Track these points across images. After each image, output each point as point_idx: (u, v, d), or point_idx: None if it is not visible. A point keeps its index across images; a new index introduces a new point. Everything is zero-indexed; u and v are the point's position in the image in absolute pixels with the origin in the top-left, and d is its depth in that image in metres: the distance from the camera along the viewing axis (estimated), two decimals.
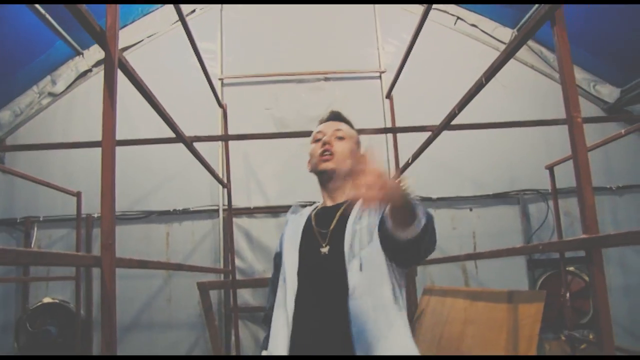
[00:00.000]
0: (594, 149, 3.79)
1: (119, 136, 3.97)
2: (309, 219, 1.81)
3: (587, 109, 4.76)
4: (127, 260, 1.52)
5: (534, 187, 4.60)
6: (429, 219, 1.38)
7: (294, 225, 1.83)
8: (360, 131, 1.97)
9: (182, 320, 4.42)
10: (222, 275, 4.32)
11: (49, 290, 4.49)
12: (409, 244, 1.39)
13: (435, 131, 2.54)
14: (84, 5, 1.43)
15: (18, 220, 4.56)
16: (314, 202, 1.94)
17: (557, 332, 4.24)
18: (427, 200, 4.65)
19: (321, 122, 1.95)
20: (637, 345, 4.30)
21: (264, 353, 1.76)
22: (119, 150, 2.98)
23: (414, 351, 1.50)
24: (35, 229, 4.56)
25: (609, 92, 4.67)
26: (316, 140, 1.85)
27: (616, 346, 4.13)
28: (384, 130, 3.21)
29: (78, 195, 4.08)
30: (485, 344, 2.15)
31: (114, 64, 1.46)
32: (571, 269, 4.49)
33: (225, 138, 3.24)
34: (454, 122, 2.41)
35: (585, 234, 1.29)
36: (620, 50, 4.39)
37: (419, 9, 4.80)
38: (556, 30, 1.38)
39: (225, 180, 4.04)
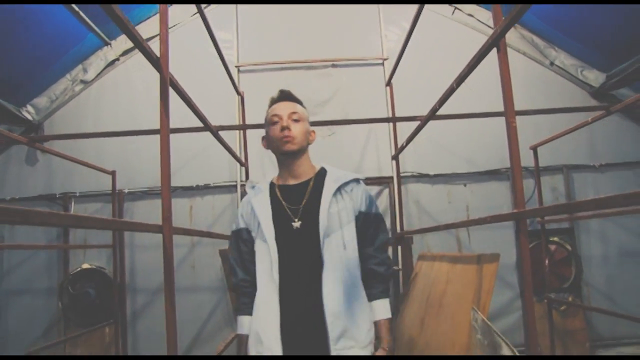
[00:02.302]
0: (575, 130, 4.19)
1: (149, 124, 4.52)
2: (273, 195, 1.96)
3: (575, 93, 5.17)
4: (180, 228, 2.00)
5: (523, 165, 5.02)
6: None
7: (259, 201, 1.96)
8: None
9: (205, 285, 4.96)
10: None
11: (86, 257, 5.04)
12: None
13: (422, 122, 3.00)
14: (143, 38, 1.88)
15: (57, 196, 5.09)
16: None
17: (541, 295, 4.72)
18: (425, 176, 5.12)
19: (273, 102, 2.03)
20: (613, 307, 4.77)
21: (245, 318, 1.93)
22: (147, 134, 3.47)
23: (369, 326, 1.85)
24: (73, 203, 5.09)
25: (595, 77, 5.04)
26: (273, 123, 1.95)
27: (596, 308, 4.63)
28: (380, 120, 3.65)
29: (113, 174, 4.58)
30: (459, 298, 2.63)
31: (167, 82, 1.92)
32: (555, 239, 4.96)
33: (244, 127, 3.71)
34: (438, 113, 2.85)
35: (515, 209, 1.75)
36: (606, 38, 4.73)
37: None
38: (500, 56, 1.81)
39: (243, 160, 4.52)
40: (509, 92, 1.78)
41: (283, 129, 1.90)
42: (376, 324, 1.88)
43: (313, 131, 2.06)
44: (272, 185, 2.02)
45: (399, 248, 4.70)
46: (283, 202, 1.93)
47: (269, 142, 2.00)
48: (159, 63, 1.89)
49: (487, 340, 2.02)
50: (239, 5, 5.44)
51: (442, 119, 3.15)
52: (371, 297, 1.89)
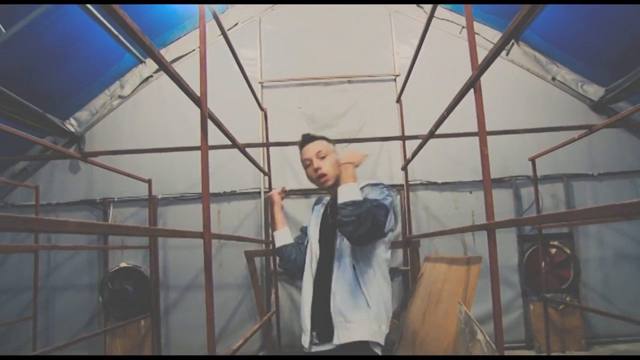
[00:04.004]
0: (568, 144, 4.54)
1: (179, 135, 5.00)
2: (326, 208, 2.45)
3: (575, 106, 5.52)
4: (216, 234, 2.44)
5: (525, 173, 5.38)
6: (357, 210, 1.96)
7: (317, 210, 2.49)
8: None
9: (231, 282, 5.43)
10: (264, 245, 5.26)
11: (124, 257, 5.56)
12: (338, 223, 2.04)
13: (424, 139, 3.41)
14: (185, 81, 2.32)
15: (97, 201, 5.61)
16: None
17: (540, 294, 5.09)
18: (433, 184, 5.52)
19: (300, 146, 2.37)
20: (609, 307, 5.11)
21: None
22: (180, 146, 3.89)
23: (364, 316, 2.11)
24: (111, 207, 5.61)
25: (594, 91, 5.39)
26: (307, 166, 2.32)
27: (591, 308, 4.97)
28: (389, 139, 4.06)
29: (149, 181, 5.06)
30: (453, 295, 3.05)
31: (206, 117, 2.36)
32: (555, 243, 5.32)
33: (267, 145, 4.14)
34: (437, 132, 3.26)
35: (487, 221, 2.15)
36: (604, 55, 5.07)
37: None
38: (476, 97, 2.21)
39: (266, 169, 4.97)
40: (483, 126, 2.18)
41: (315, 170, 2.26)
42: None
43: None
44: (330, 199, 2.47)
45: (408, 250, 5.11)
46: (328, 213, 2.39)
47: (311, 180, 2.35)
48: (199, 101, 2.34)
49: (467, 328, 2.43)
50: (262, 26, 5.91)
51: (439, 137, 3.55)
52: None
